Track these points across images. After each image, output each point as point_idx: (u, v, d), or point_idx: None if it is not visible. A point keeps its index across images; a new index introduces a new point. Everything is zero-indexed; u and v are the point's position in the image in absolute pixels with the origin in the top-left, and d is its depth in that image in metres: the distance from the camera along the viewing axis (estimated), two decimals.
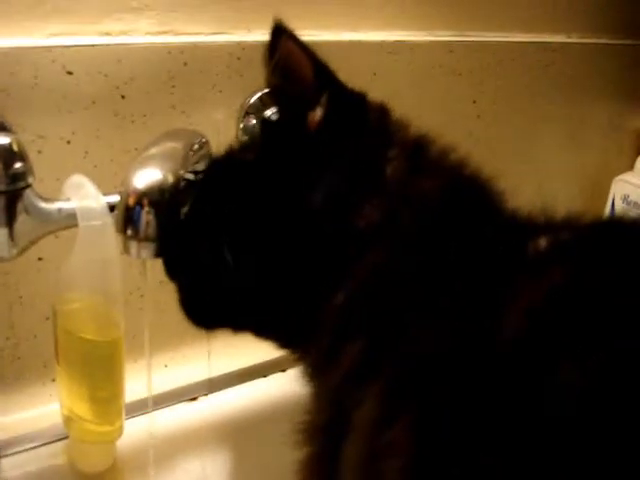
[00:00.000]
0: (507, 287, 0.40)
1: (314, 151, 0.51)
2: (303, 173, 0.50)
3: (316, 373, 0.51)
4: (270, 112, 0.76)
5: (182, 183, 0.53)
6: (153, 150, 0.54)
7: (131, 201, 0.49)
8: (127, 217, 0.49)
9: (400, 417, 0.39)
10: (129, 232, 0.49)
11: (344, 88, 0.56)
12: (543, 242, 0.43)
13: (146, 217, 0.49)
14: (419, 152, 0.54)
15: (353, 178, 0.50)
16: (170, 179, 0.50)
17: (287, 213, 0.49)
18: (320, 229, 0.48)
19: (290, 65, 0.54)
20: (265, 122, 0.68)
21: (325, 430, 0.47)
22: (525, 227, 0.47)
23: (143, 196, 0.49)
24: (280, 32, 0.56)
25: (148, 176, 0.50)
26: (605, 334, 0.35)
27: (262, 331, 0.57)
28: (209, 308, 0.56)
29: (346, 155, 0.51)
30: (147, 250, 0.50)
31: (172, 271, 0.56)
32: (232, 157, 0.56)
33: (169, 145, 0.56)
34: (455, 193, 0.51)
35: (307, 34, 0.80)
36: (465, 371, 0.37)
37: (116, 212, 0.51)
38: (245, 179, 0.52)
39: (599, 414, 0.33)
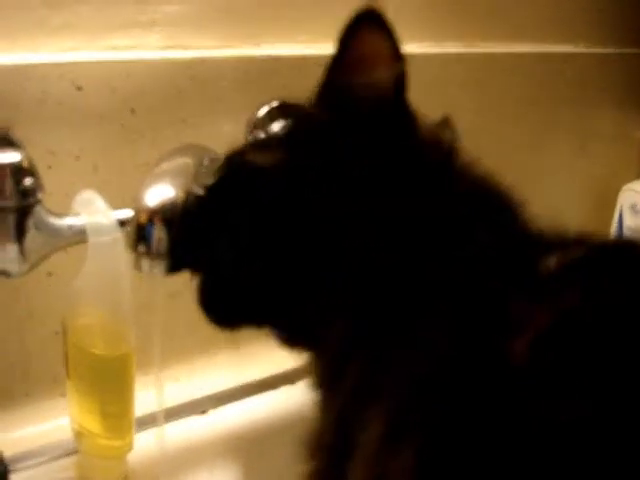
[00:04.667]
0: (515, 308, 0.39)
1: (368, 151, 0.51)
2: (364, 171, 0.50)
3: (323, 386, 0.51)
4: (277, 125, 0.77)
5: (192, 198, 0.53)
6: (164, 166, 0.54)
7: (143, 218, 0.49)
8: (139, 234, 0.49)
9: (404, 443, 0.38)
10: (141, 249, 0.50)
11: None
12: (554, 260, 0.42)
13: (158, 234, 0.49)
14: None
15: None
16: (181, 196, 0.50)
17: (324, 201, 0.49)
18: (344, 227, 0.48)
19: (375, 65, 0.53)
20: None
21: (330, 449, 0.46)
22: (538, 242, 0.46)
23: (155, 213, 0.49)
24: (373, 23, 0.54)
25: (160, 193, 0.50)
26: (611, 373, 0.34)
27: (280, 328, 0.56)
28: (229, 303, 0.55)
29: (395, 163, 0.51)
30: (159, 267, 0.50)
31: (190, 263, 0.54)
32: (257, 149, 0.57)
33: (180, 161, 0.56)
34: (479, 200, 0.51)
35: (316, 47, 0.81)
36: (467, 397, 0.37)
37: (128, 229, 0.51)
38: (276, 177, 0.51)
39: (600, 461, 0.32)
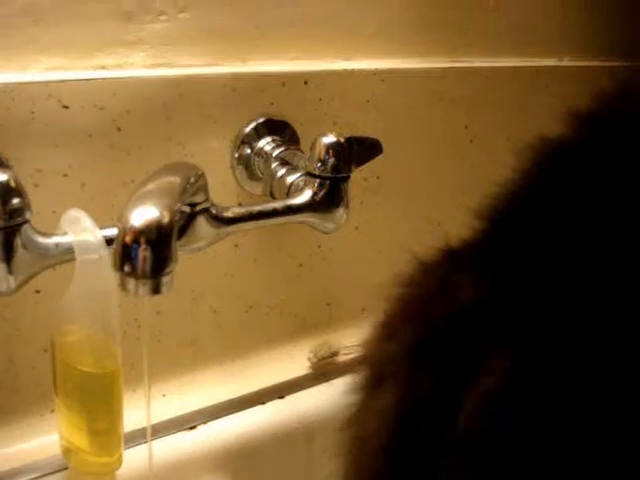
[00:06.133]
0: None
1: None
2: None
3: None
4: (264, 142, 0.78)
5: (178, 217, 0.54)
6: (150, 186, 0.54)
7: (128, 239, 0.49)
8: (124, 255, 0.50)
9: None
10: (126, 269, 0.50)
11: None
12: None
13: (143, 254, 0.49)
14: None
15: None
16: (167, 215, 0.50)
17: None
18: None
19: None
20: None
21: None
22: None
23: (140, 234, 0.49)
24: None
25: (145, 213, 0.50)
26: None
27: None
28: None
29: None
30: (145, 287, 0.50)
31: None
32: None
33: (165, 180, 0.56)
34: None
35: (302, 63, 0.81)
36: None
37: (113, 249, 0.51)
38: None
39: None
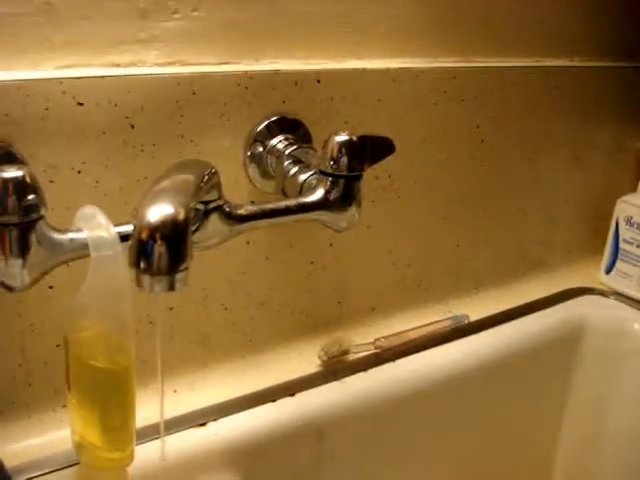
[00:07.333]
0: None
1: None
2: None
3: None
4: (277, 140, 0.78)
5: (192, 214, 0.54)
6: (165, 183, 0.54)
7: (144, 235, 0.49)
8: (140, 251, 0.50)
9: None
10: (142, 265, 0.50)
11: None
12: None
13: (159, 250, 0.49)
14: None
15: None
16: (182, 212, 0.51)
17: None
18: None
19: None
20: None
21: None
22: None
23: (156, 230, 0.49)
24: None
25: (161, 210, 0.50)
26: None
27: None
28: None
29: None
30: (160, 284, 0.51)
31: None
32: None
33: (180, 178, 0.56)
34: None
35: (315, 62, 0.82)
36: None
37: (129, 245, 0.52)
38: None
39: None
